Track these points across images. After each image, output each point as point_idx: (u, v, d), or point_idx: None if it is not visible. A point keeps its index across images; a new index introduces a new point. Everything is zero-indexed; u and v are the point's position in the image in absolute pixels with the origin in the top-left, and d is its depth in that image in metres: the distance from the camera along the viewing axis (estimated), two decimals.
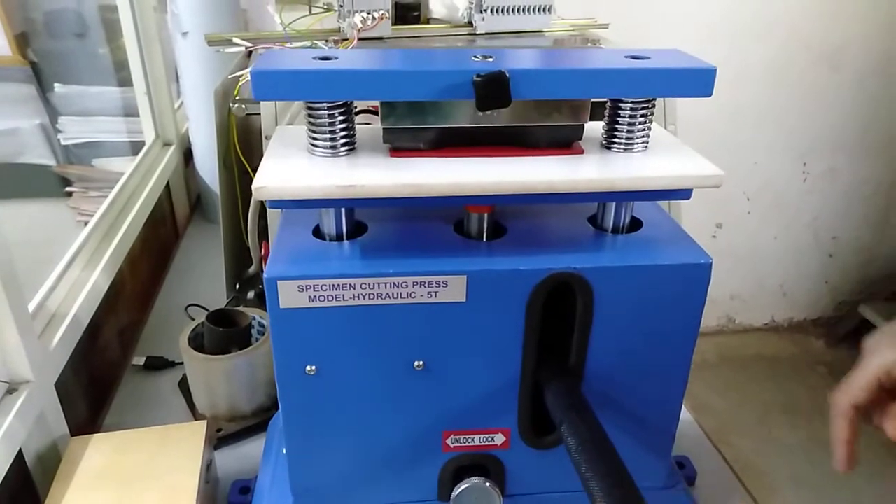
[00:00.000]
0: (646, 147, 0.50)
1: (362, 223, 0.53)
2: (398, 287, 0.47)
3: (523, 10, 0.87)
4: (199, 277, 1.02)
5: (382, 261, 0.47)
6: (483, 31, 0.86)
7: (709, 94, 0.46)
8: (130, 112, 1.43)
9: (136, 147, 1.40)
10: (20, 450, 0.58)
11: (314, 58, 0.46)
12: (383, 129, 0.48)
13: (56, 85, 1.53)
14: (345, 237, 0.51)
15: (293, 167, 0.46)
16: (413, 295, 0.47)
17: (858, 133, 2.16)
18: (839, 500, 1.74)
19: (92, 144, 1.58)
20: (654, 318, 0.50)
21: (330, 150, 0.48)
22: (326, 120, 0.46)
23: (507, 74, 0.43)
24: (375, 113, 0.61)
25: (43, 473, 0.60)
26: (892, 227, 2.32)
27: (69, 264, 0.77)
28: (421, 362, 0.50)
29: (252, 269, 0.87)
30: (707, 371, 2.20)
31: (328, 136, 0.47)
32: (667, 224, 0.54)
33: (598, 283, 0.48)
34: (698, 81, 0.46)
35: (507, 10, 0.86)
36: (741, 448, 1.96)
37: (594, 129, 0.52)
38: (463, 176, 0.46)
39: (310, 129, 0.48)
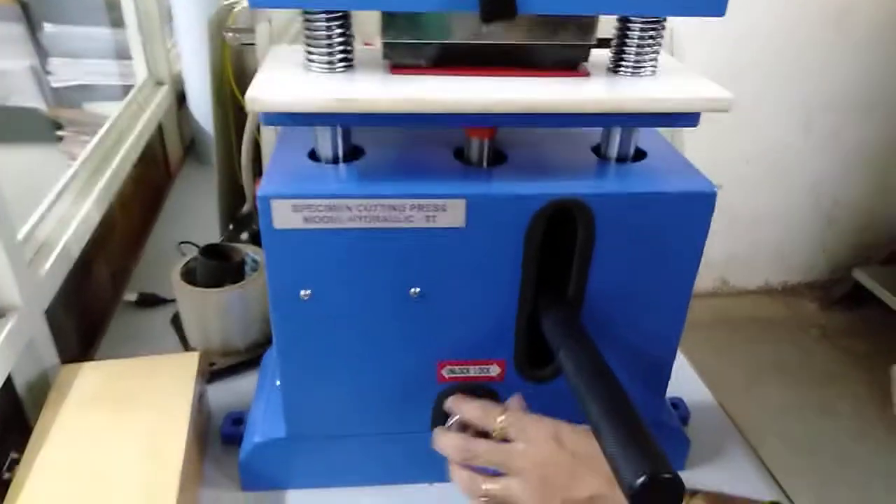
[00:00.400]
0: (654, 71, 0.48)
1: (359, 147, 0.51)
2: (396, 210, 0.46)
3: None
4: (192, 218, 1.01)
5: (380, 183, 0.46)
6: None
7: (721, 14, 0.44)
8: (123, 55, 1.39)
9: (127, 91, 1.37)
10: (10, 377, 0.57)
11: None
12: (383, 43, 0.46)
13: (46, 24, 1.49)
14: (341, 160, 0.49)
15: (289, 81, 0.45)
16: (411, 219, 0.46)
17: (863, 95, 2.14)
18: (824, 455, 1.77)
19: (83, 88, 1.54)
20: (655, 247, 0.49)
21: (327, 65, 0.46)
22: (324, 32, 0.44)
23: None
24: None
25: (33, 401, 0.60)
26: (891, 191, 2.31)
27: (58, 196, 0.76)
28: (417, 289, 0.49)
29: (246, 208, 0.86)
30: (700, 332, 2.20)
31: (325, 49, 0.45)
32: (671, 155, 0.53)
33: (601, 211, 0.47)
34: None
35: None
36: (733, 407, 1.98)
37: (601, 55, 0.50)
38: (465, 93, 0.44)
39: (306, 44, 0.46)
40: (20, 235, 0.65)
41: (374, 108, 0.43)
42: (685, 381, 0.73)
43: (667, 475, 0.31)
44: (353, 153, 0.50)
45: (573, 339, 0.44)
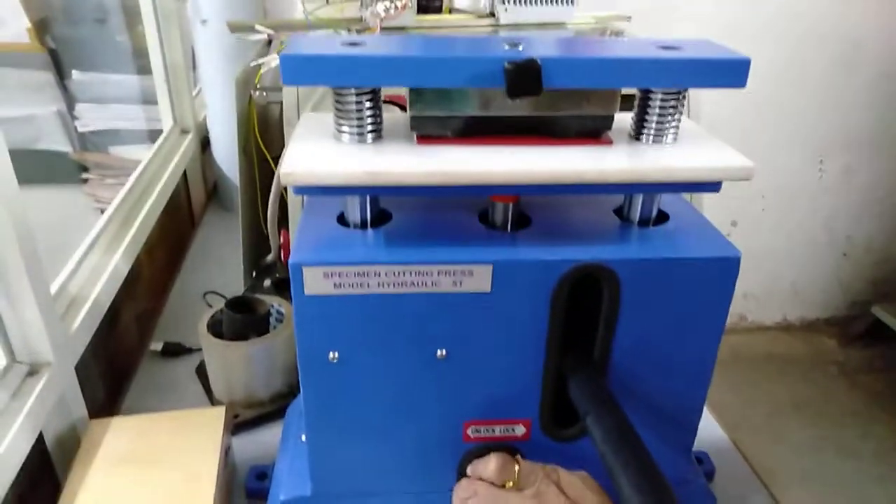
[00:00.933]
0: (675, 138, 0.49)
1: (386, 212, 0.52)
2: (423, 276, 0.47)
3: (546, 1, 0.86)
4: (216, 265, 1.02)
5: (408, 249, 0.47)
6: (506, 23, 0.85)
7: (742, 85, 0.46)
8: (147, 100, 1.43)
9: (152, 135, 1.41)
10: (40, 433, 0.58)
11: (342, 43, 0.45)
12: (410, 116, 0.48)
13: (74, 72, 1.53)
14: (369, 225, 0.51)
15: (320, 153, 0.46)
16: (437, 284, 0.47)
17: (876, 132, 2.14)
18: (848, 498, 1.73)
19: (109, 132, 1.58)
20: (680, 311, 0.49)
21: (357, 136, 0.47)
22: (354, 106, 0.46)
23: (539, 62, 0.42)
24: (399, 106, 0.61)
25: (62, 456, 0.61)
26: None
27: (89, 249, 0.78)
28: (444, 352, 0.50)
29: (270, 258, 0.87)
30: (719, 369, 2.18)
31: (355, 121, 0.47)
32: (694, 217, 0.53)
33: (626, 276, 0.47)
34: (732, 72, 0.45)
35: (530, 2, 0.86)
36: (751, 446, 1.94)
37: (623, 119, 0.51)
38: (491, 164, 0.45)
39: (337, 115, 0.47)
40: (53, 289, 0.66)
41: (403, 180, 0.44)
42: (706, 430, 0.72)
43: None
44: (380, 217, 0.52)
45: (601, 405, 0.45)
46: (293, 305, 0.48)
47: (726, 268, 0.48)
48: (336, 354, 0.49)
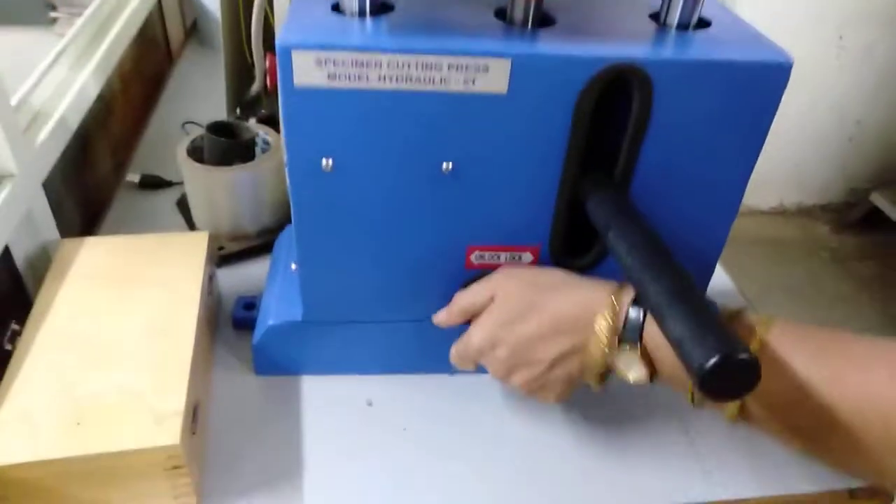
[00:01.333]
0: None
1: (388, 3, 0.45)
2: (431, 69, 0.40)
3: None
4: (196, 100, 0.95)
5: (414, 37, 0.41)
6: None
7: None
8: None
9: None
10: (8, 249, 0.54)
11: None
12: None
13: None
14: (368, 13, 0.44)
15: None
16: (447, 81, 0.41)
17: None
18: None
19: None
20: (717, 124, 0.44)
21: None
22: None
23: None
24: None
25: (33, 274, 0.57)
26: None
27: (51, 66, 0.70)
28: (449, 164, 0.44)
29: (255, 87, 0.80)
30: None
31: None
32: (739, 24, 0.47)
33: (661, 79, 0.41)
34: None
35: None
36: None
37: None
38: None
39: None
40: (13, 101, 0.60)
41: None
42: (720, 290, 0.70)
43: (743, 355, 0.28)
44: (381, 8, 0.45)
45: (625, 217, 0.40)
46: (281, 101, 0.42)
47: (774, 74, 0.42)
48: (330, 161, 0.44)
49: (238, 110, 0.86)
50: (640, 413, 0.55)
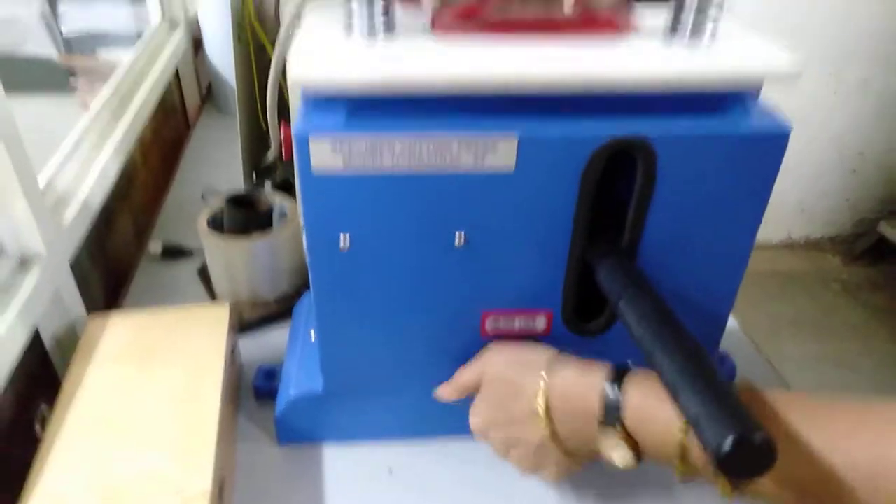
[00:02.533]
0: (714, 34, 0.44)
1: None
2: (442, 149, 0.42)
3: None
4: (214, 167, 0.98)
5: (426, 119, 0.43)
6: None
7: None
8: (136, 1, 1.35)
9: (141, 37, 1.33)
10: (37, 330, 0.56)
11: None
12: None
13: None
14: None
15: (329, 53, 0.41)
16: (458, 159, 0.43)
17: (893, 45, 2.05)
18: None
19: (95, 35, 1.50)
20: (721, 191, 0.45)
21: (368, 30, 0.42)
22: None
23: None
24: None
25: (61, 354, 0.58)
26: None
27: (76, 145, 0.73)
28: (462, 236, 0.46)
29: (270, 155, 0.82)
30: None
31: (367, 13, 0.42)
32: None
33: (665, 152, 0.43)
34: None
35: None
36: None
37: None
38: (511, 66, 0.41)
39: (346, 7, 0.42)
40: (41, 183, 0.62)
41: (421, 85, 0.40)
42: (728, 336, 0.70)
43: (758, 436, 0.29)
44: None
45: (635, 287, 0.42)
46: (299, 186, 0.44)
47: (774, 144, 0.44)
48: (346, 241, 0.46)
49: (254, 175, 0.89)
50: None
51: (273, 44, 0.80)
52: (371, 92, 0.41)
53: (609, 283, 0.44)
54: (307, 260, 0.47)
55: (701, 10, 0.43)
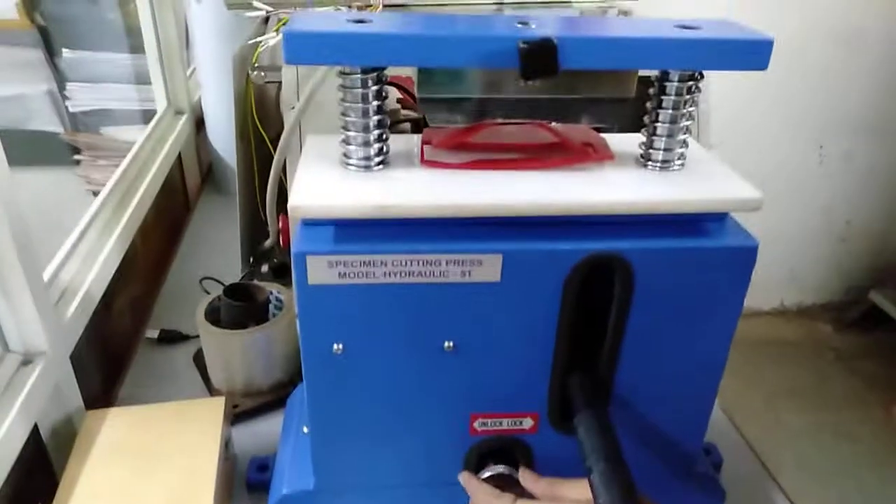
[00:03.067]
0: (682, 165, 0.48)
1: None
2: (431, 265, 0.45)
3: None
4: (212, 249, 1.00)
5: (416, 238, 0.46)
6: (510, 0, 0.83)
7: (764, 67, 0.44)
8: (140, 80, 1.40)
9: (145, 115, 1.38)
10: (35, 424, 0.57)
11: (348, 20, 0.43)
12: (419, 98, 0.46)
13: (64, 50, 1.50)
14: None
15: (327, 185, 0.45)
16: (446, 273, 0.45)
17: (876, 117, 2.12)
18: (843, 486, 1.74)
19: (100, 112, 1.55)
20: (695, 302, 0.48)
21: (364, 164, 0.46)
22: (361, 134, 0.45)
23: (556, 42, 0.40)
24: (403, 88, 0.59)
25: (58, 448, 0.59)
26: None
27: (82, 235, 0.75)
28: (451, 343, 0.48)
29: (268, 243, 0.85)
30: None
31: (362, 149, 0.46)
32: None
33: (640, 264, 0.46)
34: (754, 53, 0.44)
35: None
36: (747, 432, 1.96)
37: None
38: (495, 194, 0.45)
39: (343, 143, 0.46)
40: (45, 276, 0.64)
41: (411, 213, 0.44)
42: (715, 425, 0.71)
43: None
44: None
45: (590, 410, 0.44)
46: (296, 296, 0.46)
47: (743, 257, 0.47)
48: (340, 346, 0.48)
49: (251, 259, 0.91)
50: None
51: (272, 138, 0.84)
52: (364, 217, 0.43)
53: (575, 395, 0.46)
54: (302, 365, 0.49)
55: (670, 143, 0.46)
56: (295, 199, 0.42)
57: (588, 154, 0.47)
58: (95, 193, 1.36)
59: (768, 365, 2.17)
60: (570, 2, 0.87)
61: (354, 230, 0.47)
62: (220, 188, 1.21)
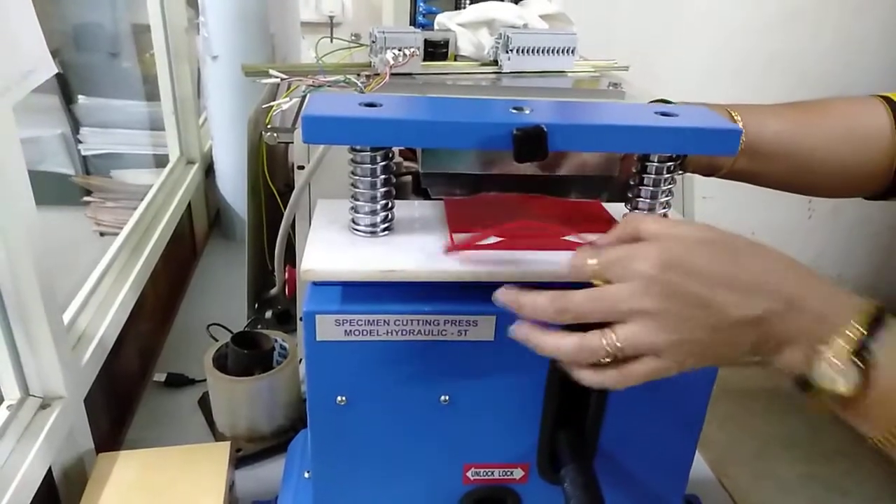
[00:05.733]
0: None
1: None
2: (430, 324, 0.49)
3: (547, 51, 0.90)
4: (218, 294, 1.04)
5: (416, 301, 0.50)
6: (508, 70, 0.89)
7: (734, 153, 0.49)
8: (151, 126, 1.46)
9: (155, 160, 1.43)
10: (49, 467, 0.60)
11: (360, 104, 0.48)
12: (422, 173, 0.51)
13: (80, 97, 1.56)
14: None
15: (336, 249, 0.49)
16: (444, 332, 0.49)
17: None
18: None
19: (111, 156, 1.60)
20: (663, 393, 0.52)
21: (370, 231, 0.51)
22: (369, 204, 0.50)
23: (545, 128, 0.45)
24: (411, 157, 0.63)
25: (69, 490, 0.62)
26: (893, 269, 2.34)
27: (99, 281, 0.79)
28: (447, 397, 0.52)
29: (274, 291, 0.89)
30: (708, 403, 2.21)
31: (369, 217, 0.50)
32: None
33: None
34: (725, 141, 0.48)
35: (532, 51, 0.89)
36: (739, 481, 1.96)
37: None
38: (487, 265, 0.49)
39: (352, 210, 0.50)
40: (65, 321, 0.68)
41: (416, 277, 0.48)
42: (696, 471, 0.74)
43: None
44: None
45: (576, 464, 0.48)
46: (304, 351, 0.50)
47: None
48: (344, 398, 0.51)
49: (257, 305, 0.95)
50: None
51: (280, 191, 0.89)
52: (369, 280, 0.48)
53: (562, 452, 0.50)
54: (308, 415, 0.52)
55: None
56: (307, 263, 0.47)
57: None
58: (103, 234, 1.40)
59: (761, 414, 2.19)
60: (564, 72, 0.93)
61: (360, 290, 0.51)
62: (227, 234, 1.26)
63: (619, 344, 0.39)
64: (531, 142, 0.45)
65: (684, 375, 0.52)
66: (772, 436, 2.09)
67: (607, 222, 0.53)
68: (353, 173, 0.50)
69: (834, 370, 0.38)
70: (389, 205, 0.51)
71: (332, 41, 0.93)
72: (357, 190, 0.50)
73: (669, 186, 0.52)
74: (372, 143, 0.47)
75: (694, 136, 0.48)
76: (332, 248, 0.49)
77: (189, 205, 1.23)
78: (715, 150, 0.49)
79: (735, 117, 0.58)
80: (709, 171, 0.61)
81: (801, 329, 0.39)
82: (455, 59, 0.92)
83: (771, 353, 0.41)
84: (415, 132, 0.46)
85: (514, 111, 0.48)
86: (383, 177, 0.50)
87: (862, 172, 0.62)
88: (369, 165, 0.49)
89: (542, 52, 0.90)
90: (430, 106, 0.51)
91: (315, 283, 0.51)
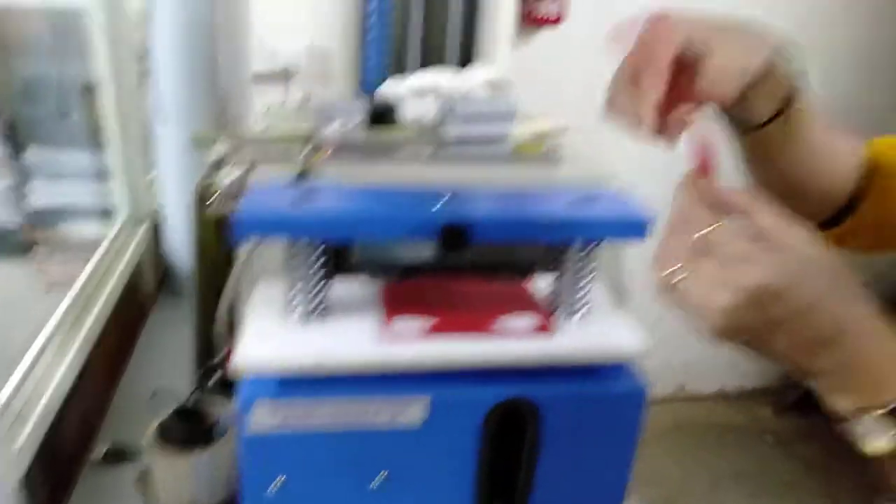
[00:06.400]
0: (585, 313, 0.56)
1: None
2: (362, 408, 0.51)
3: (488, 118, 0.94)
4: (165, 355, 1.04)
5: (347, 388, 0.51)
6: (452, 136, 0.92)
7: (643, 239, 0.52)
8: (100, 178, 1.45)
9: (104, 214, 1.42)
10: None
11: (294, 198, 0.50)
12: (358, 260, 0.53)
13: (29, 147, 1.55)
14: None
15: (270, 340, 0.51)
16: (376, 414, 0.51)
17: None
18: None
19: (59, 209, 1.59)
20: (595, 436, 0.55)
21: (306, 314, 0.53)
22: (303, 291, 0.52)
23: (466, 225, 0.48)
24: None
25: None
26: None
27: (39, 355, 0.78)
28: (380, 480, 0.53)
29: (217, 360, 0.89)
30: (660, 438, 2.25)
31: (304, 303, 0.53)
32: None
33: (546, 407, 0.53)
34: (636, 228, 0.52)
35: (474, 118, 0.93)
36: None
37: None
38: (415, 353, 0.51)
39: (288, 292, 0.52)
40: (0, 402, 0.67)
41: (350, 370, 0.50)
42: None
43: None
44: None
45: None
46: (239, 442, 0.51)
47: (633, 400, 0.54)
48: (277, 485, 0.52)
49: (202, 371, 0.95)
50: None
51: (228, 256, 0.90)
52: (301, 372, 0.49)
53: None
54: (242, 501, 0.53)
55: (571, 297, 0.54)
56: (240, 358, 0.48)
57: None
58: (49, 290, 1.37)
59: (713, 448, 2.24)
60: (505, 136, 0.97)
61: (293, 382, 0.52)
62: (176, 291, 1.25)
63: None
64: (454, 235, 0.48)
65: (606, 447, 0.55)
66: (723, 470, 2.14)
67: (532, 304, 0.56)
68: (289, 259, 0.51)
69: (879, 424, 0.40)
70: (325, 287, 0.53)
71: (285, 100, 0.96)
72: (293, 274, 0.52)
73: (592, 265, 0.55)
74: (304, 238, 0.49)
75: (605, 224, 0.52)
76: (266, 339, 0.51)
77: (138, 262, 1.22)
78: (627, 237, 0.52)
79: None
80: (745, 123, 0.51)
81: (858, 385, 0.42)
82: (398, 126, 0.95)
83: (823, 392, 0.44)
84: (346, 228, 0.49)
85: (440, 205, 0.51)
86: (319, 262, 0.52)
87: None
88: (304, 256, 0.51)
89: (483, 119, 0.94)
90: (362, 198, 0.53)
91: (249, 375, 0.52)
